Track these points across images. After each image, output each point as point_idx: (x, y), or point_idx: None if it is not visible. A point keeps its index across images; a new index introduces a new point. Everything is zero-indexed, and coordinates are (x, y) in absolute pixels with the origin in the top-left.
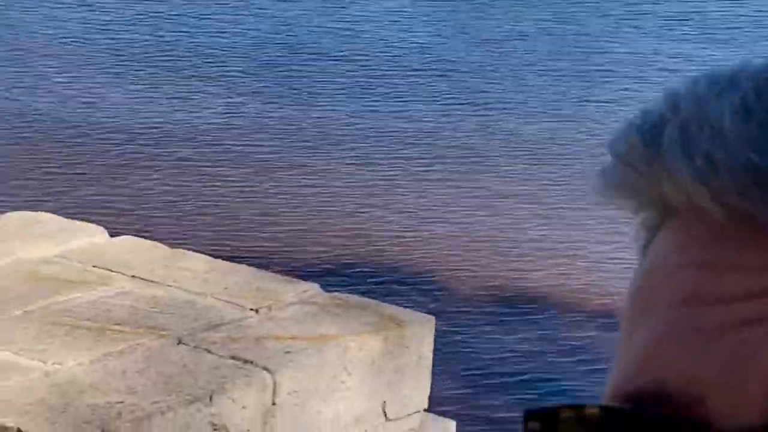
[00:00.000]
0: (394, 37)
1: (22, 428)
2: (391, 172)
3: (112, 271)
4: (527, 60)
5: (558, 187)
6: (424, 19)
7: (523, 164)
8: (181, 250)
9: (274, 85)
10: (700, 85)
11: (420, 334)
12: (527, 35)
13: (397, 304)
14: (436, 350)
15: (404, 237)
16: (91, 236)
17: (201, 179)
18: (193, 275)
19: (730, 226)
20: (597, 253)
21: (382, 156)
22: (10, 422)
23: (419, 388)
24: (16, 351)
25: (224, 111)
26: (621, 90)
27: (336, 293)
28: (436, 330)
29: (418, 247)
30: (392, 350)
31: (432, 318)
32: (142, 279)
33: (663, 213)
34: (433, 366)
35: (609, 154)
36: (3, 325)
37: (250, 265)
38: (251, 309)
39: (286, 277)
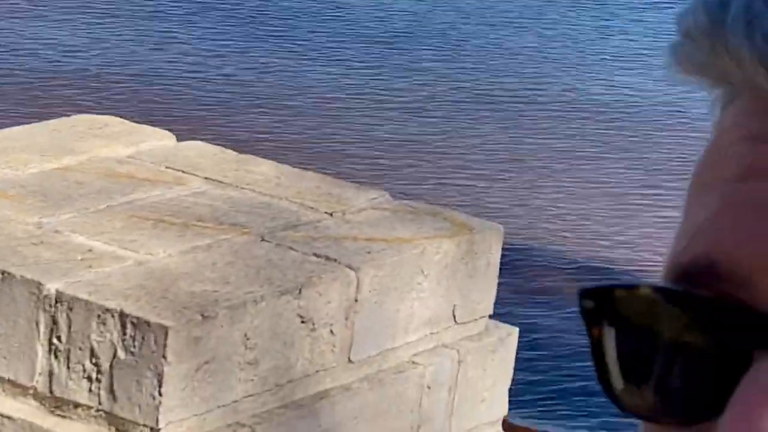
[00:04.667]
0: None
1: (124, 311)
2: None
3: (184, 172)
4: None
5: None
6: None
7: None
8: (249, 155)
9: None
10: None
11: (489, 241)
12: None
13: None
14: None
15: None
16: (159, 140)
17: None
18: (264, 179)
19: None
20: None
21: None
22: (112, 304)
23: (487, 295)
24: (107, 241)
25: None
26: None
27: (406, 201)
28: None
29: None
30: (464, 256)
31: (500, 227)
32: (216, 180)
33: (730, 91)
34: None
35: (677, 30)
36: (89, 218)
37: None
38: (325, 212)
39: (355, 184)
